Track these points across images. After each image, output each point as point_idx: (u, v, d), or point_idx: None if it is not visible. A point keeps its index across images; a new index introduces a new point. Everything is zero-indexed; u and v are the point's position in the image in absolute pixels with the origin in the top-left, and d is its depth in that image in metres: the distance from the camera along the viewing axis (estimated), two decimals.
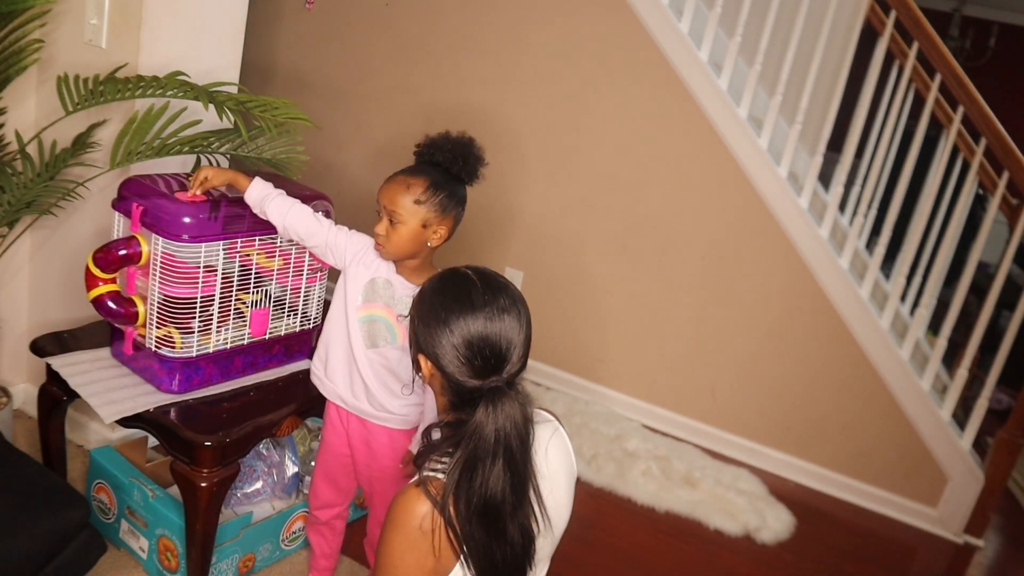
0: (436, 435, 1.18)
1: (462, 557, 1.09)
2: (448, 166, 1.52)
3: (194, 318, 1.66)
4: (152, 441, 2.06)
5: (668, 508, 2.59)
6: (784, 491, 2.86)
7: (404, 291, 1.55)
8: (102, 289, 1.62)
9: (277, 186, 1.66)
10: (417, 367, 1.20)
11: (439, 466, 1.11)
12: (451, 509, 1.08)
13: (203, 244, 1.62)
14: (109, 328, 1.79)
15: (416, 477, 1.12)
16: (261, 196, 1.62)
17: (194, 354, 1.69)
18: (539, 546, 1.17)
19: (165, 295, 1.62)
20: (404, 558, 1.09)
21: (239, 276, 1.73)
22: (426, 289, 1.20)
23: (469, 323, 1.11)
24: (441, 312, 1.13)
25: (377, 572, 1.14)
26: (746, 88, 2.82)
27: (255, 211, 1.65)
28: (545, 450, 1.20)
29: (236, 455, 1.64)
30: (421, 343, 1.17)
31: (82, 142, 1.86)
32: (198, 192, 1.63)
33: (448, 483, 1.08)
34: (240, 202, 1.66)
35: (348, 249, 1.59)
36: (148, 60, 1.92)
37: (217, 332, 1.72)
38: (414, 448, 1.55)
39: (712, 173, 2.89)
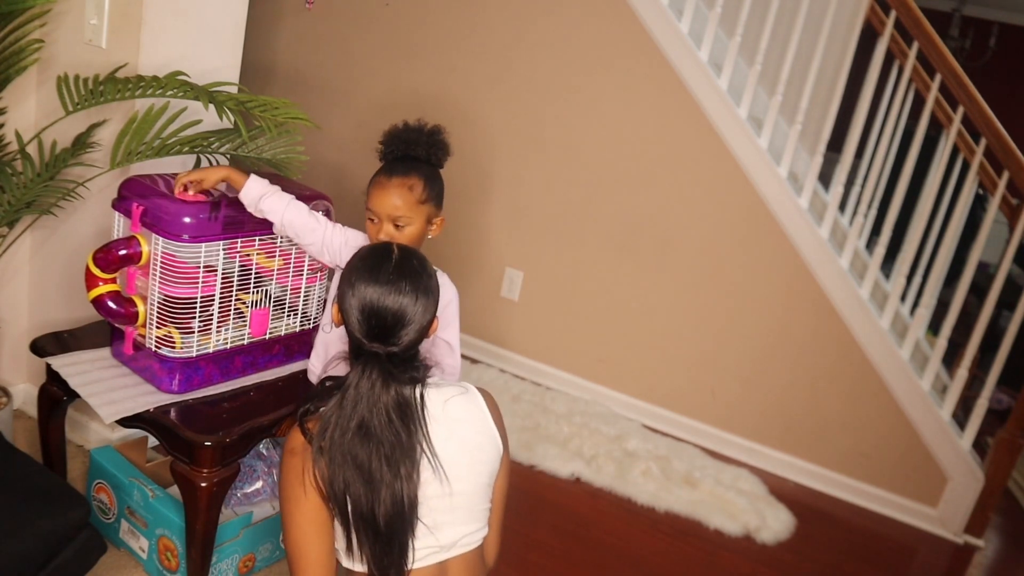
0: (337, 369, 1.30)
1: (331, 503, 1.20)
2: (427, 158, 1.54)
3: (194, 318, 1.66)
4: (152, 441, 2.06)
5: (668, 508, 2.59)
6: (784, 491, 2.86)
7: None
8: (102, 289, 1.62)
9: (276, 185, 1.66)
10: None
11: (323, 406, 1.22)
12: (321, 447, 1.19)
13: (203, 244, 1.62)
14: (109, 328, 1.79)
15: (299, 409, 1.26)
16: (259, 194, 1.61)
17: (194, 354, 1.69)
18: (430, 495, 1.23)
19: (165, 295, 1.62)
20: (289, 481, 1.23)
21: (239, 276, 1.73)
22: (359, 251, 1.30)
23: (368, 291, 1.22)
24: (352, 274, 1.25)
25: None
26: (746, 88, 2.82)
27: (250, 209, 1.63)
28: (445, 400, 1.29)
29: (236, 455, 1.64)
30: (337, 292, 1.29)
31: (82, 142, 1.85)
32: (191, 193, 1.61)
33: (321, 424, 1.21)
34: (240, 202, 1.65)
35: (345, 247, 1.59)
36: (148, 60, 1.92)
37: (217, 332, 1.72)
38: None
39: (712, 173, 2.89)
